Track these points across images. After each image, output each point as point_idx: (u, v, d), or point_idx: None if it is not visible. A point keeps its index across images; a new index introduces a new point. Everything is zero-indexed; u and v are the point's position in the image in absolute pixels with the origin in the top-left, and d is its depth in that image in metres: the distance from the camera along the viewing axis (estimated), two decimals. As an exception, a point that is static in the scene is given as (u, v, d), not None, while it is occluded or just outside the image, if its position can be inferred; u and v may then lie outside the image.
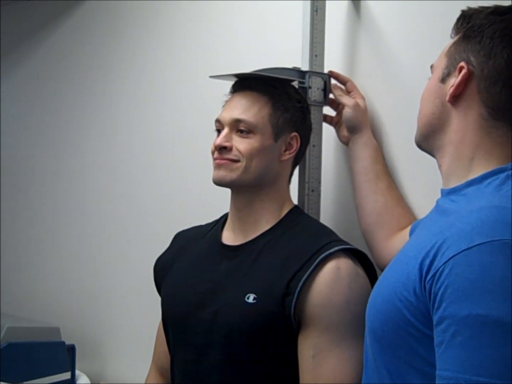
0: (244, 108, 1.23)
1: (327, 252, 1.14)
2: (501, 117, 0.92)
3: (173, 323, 1.29)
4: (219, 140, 1.22)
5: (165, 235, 1.48)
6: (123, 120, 2.10)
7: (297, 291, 1.12)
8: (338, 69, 1.49)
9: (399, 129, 1.40)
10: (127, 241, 2.08)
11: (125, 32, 2.10)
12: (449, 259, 0.79)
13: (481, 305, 0.76)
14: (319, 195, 1.43)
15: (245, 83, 1.27)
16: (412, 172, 1.38)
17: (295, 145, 1.27)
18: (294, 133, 1.27)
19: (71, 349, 1.96)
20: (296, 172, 1.37)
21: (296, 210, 1.30)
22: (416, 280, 0.84)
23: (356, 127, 1.38)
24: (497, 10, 0.94)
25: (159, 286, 1.39)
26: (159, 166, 1.98)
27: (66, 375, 1.94)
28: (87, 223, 2.22)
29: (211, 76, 1.35)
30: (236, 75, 1.30)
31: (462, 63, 0.94)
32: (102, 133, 2.17)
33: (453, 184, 0.96)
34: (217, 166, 1.23)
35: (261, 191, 1.25)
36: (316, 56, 1.43)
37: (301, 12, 1.44)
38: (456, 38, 0.98)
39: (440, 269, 0.80)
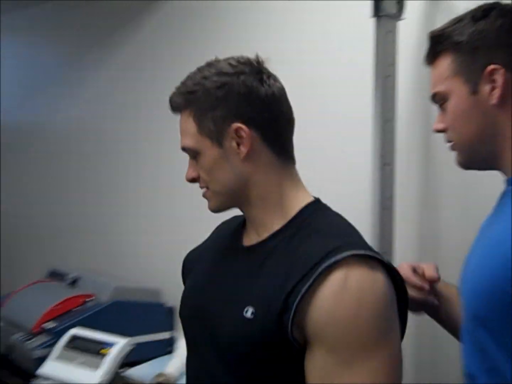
0: (182, 135, 1.09)
1: (333, 260, 0.95)
2: None
3: (183, 327, 1.19)
4: (186, 175, 1.12)
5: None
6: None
7: (293, 308, 0.95)
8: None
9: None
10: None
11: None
12: None
13: None
14: (391, 169, 1.44)
15: (171, 105, 1.10)
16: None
17: (245, 134, 1.04)
18: (235, 124, 1.04)
19: (170, 310, 2.10)
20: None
21: (312, 206, 1.09)
22: None
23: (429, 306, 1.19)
24: (474, 16, 0.96)
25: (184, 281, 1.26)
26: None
27: (165, 335, 2.09)
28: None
29: None
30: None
31: (492, 66, 0.94)
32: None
33: None
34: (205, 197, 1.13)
35: (250, 200, 1.09)
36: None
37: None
38: (447, 56, 0.99)
39: None
